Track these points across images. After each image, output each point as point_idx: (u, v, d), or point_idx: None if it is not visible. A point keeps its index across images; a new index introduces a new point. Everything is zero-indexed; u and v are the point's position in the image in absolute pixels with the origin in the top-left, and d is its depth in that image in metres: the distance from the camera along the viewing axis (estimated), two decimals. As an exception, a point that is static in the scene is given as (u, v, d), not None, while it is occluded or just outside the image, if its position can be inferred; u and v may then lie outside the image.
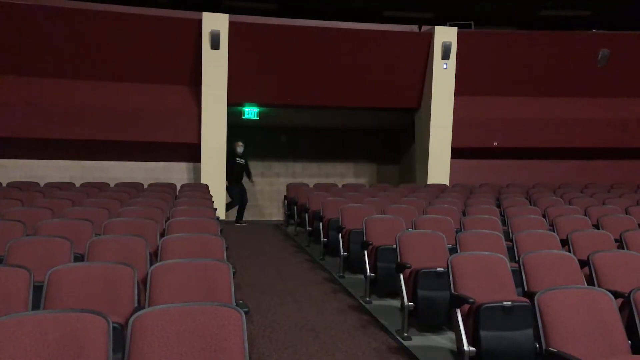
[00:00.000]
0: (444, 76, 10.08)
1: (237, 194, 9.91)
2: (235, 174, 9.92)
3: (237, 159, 9.91)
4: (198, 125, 9.50)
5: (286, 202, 9.83)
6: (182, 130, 9.55)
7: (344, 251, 5.74)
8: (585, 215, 6.24)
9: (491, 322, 3.06)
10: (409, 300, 3.93)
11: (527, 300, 3.13)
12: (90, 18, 8.82)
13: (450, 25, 10.11)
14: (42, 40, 8.79)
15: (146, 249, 3.86)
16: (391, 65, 10.02)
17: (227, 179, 9.62)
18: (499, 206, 7.31)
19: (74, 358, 2.07)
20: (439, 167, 10.28)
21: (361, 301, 4.81)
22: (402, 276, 4.04)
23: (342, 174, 12.22)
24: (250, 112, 10.71)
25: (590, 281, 3.71)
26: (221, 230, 5.06)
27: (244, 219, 10.05)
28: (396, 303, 4.51)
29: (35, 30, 8.69)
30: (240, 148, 9.88)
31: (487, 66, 10.25)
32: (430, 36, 10.03)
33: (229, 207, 9.79)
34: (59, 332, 2.09)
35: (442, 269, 3.85)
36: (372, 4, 11.11)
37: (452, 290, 3.43)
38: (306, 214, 7.72)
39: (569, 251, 4.48)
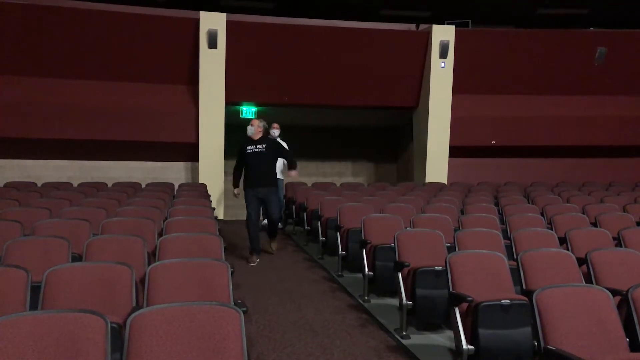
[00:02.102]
0: (441, 75, 10.08)
1: (253, 205, 6.31)
2: (249, 170, 6.32)
3: (249, 147, 6.32)
4: (196, 125, 9.49)
5: (284, 201, 9.83)
6: (179, 130, 9.54)
7: (342, 250, 5.74)
8: (583, 214, 6.25)
9: (489, 321, 3.06)
10: (407, 299, 3.93)
11: (526, 298, 3.14)
12: (87, 17, 8.80)
13: (448, 23, 10.12)
14: (38, 40, 8.78)
15: (144, 249, 3.85)
16: (389, 64, 10.02)
17: (233, 183, 6.63)
18: (497, 204, 7.31)
19: (72, 358, 2.06)
20: (437, 166, 10.29)
21: (360, 300, 4.81)
22: (400, 275, 4.04)
23: (340, 173, 12.22)
24: (248, 111, 10.70)
25: (588, 279, 3.71)
26: (219, 230, 5.06)
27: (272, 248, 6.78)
28: (394, 302, 4.51)
29: (32, 30, 8.67)
30: (251, 128, 6.39)
31: (485, 65, 10.25)
32: (427, 35, 10.03)
33: (248, 226, 6.38)
34: (56, 333, 2.08)
35: (440, 267, 3.85)
36: (370, 2, 11.11)
37: (451, 289, 3.43)
38: (304, 213, 7.72)
39: (567, 249, 4.49)
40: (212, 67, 9.34)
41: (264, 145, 6.39)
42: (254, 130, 6.41)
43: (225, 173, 9.67)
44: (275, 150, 6.49)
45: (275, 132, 7.91)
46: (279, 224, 7.12)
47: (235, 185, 6.61)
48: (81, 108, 9.18)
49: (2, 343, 2.02)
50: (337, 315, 4.41)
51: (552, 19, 11.75)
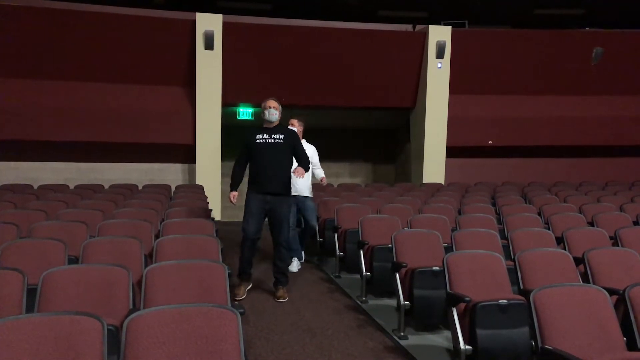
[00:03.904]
0: (438, 75, 10.10)
1: (254, 217, 4.74)
2: (257, 168, 4.75)
3: (260, 135, 4.76)
4: (192, 126, 9.48)
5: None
6: (176, 131, 9.53)
7: (340, 251, 5.73)
8: (580, 213, 6.26)
9: (487, 321, 3.06)
10: (405, 300, 3.93)
11: (523, 298, 3.14)
12: (83, 19, 8.79)
13: (445, 24, 10.14)
14: (34, 42, 8.76)
15: (141, 251, 3.84)
16: (386, 65, 10.04)
17: (231, 184, 4.84)
18: (494, 205, 7.32)
19: (69, 361, 2.06)
20: (434, 166, 10.30)
21: (357, 301, 4.80)
22: (398, 275, 4.04)
23: (338, 174, 12.22)
24: (245, 112, 10.70)
25: (585, 278, 3.72)
26: (216, 231, 5.05)
27: (281, 284, 4.89)
28: (392, 302, 4.50)
29: (27, 32, 8.65)
30: (274, 112, 4.76)
31: (482, 65, 10.27)
32: (424, 35, 10.05)
33: (242, 244, 4.87)
34: (53, 335, 2.08)
35: (438, 267, 3.84)
36: (367, 3, 11.12)
37: (448, 289, 3.43)
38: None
39: (564, 249, 4.49)
40: (209, 69, 9.33)
41: (282, 136, 4.73)
42: (278, 115, 4.77)
43: (223, 174, 9.65)
44: (294, 145, 4.81)
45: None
46: (301, 257, 5.83)
47: (234, 186, 4.83)
48: (77, 110, 9.16)
49: (-2, 346, 2.01)
50: (335, 316, 4.40)
51: (549, 19, 11.78)
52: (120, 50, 9.11)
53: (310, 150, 5.98)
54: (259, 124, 4.96)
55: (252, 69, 9.64)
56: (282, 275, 4.93)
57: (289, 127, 5.47)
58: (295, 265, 5.92)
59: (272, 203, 4.73)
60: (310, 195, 6.07)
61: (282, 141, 4.73)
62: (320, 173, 6.16)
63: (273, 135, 4.75)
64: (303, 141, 5.66)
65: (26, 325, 2.07)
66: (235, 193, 4.84)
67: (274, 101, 4.81)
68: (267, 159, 4.70)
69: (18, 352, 2.02)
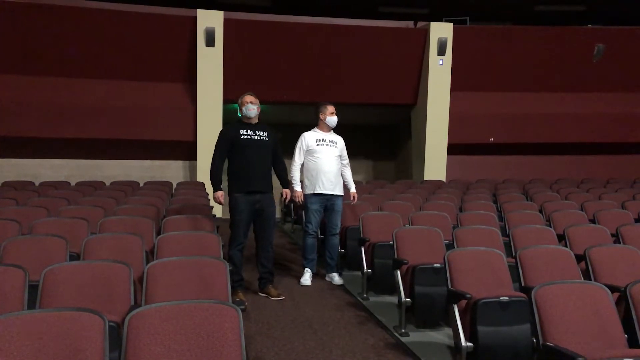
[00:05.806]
0: (439, 72, 10.08)
1: (245, 219, 4.62)
2: (244, 166, 4.63)
3: (243, 132, 4.66)
4: (194, 123, 9.48)
5: (283, 199, 9.79)
6: (177, 128, 9.53)
7: (341, 248, 5.73)
8: (582, 210, 6.26)
9: (488, 318, 3.06)
10: (406, 297, 3.92)
11: (524, 295, 3.14)
12: (84, 16, 8.78)
13: (446, 21, 10.12)
14: (34, 38, 8.76)
15: (142, 247, 3.85)
16: (387, 62, 10.02)
17: (215, 183, 4.68)
18: (495, 202, 7.31)
19: (70, 357, 2.06)
20: (435, 163, 10.30)
21: (358, 298, 4.80)
22: (399, 272, 4.04)
23: (339, 171, 12.20)
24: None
25: (586, 276, 3.72)
26: (217, 228, 5.05)
27: (270, 287, 4.78)
28: (393, 299, 4.50)
29: (27, 29, 8.65)
30: (252, 107, 4.69)
31: (483, 62, 10.25)
32: (425, 32, 10.02)
33: (231, 255, 4.58)
34: (54, 331, 2.08)
35: (439, 264, 3.84)
36: (368, 0, 11.10)
37: (449, 286, 3.43)
38: (302, 211, 7.70)
39: (566, 246, 4.49)
40: (210, 65, 9.33)
41: (266, 134, 4.69)
42: (256, 110, 4.70)
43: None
44: (276, 145, 4.79)
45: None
46: (334, 269, 5.36)
47: (219, 185, 4.66)
48: (78, 107, 9.17)
49: (0, 342, 2.01)
50: (336, 313, 4.40)
51: (550, 15, 11.77)
52: (121, 47, 9.10)
53: (341, 143, 5.45)
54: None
55: (253, 65, 9.63)
56: (270, 275, 4.81)
57: (331, 114, 5.34)
58: (308, 278, 5.28)
59: (262, 202, 4.66)
60: (341, 194, 5.32)
61: (267, 139, 4.70)
62: (349, 178, 5.45)
63: (257, 132, 4.69)
64: (331, 132, 5.47)
65: (27, 321, 2.07)
66: (222, 192, 4.65)
67: (251, 96, 4.73)
68: (255, 155, 4.63)
69: (19, 348, 2.02)
